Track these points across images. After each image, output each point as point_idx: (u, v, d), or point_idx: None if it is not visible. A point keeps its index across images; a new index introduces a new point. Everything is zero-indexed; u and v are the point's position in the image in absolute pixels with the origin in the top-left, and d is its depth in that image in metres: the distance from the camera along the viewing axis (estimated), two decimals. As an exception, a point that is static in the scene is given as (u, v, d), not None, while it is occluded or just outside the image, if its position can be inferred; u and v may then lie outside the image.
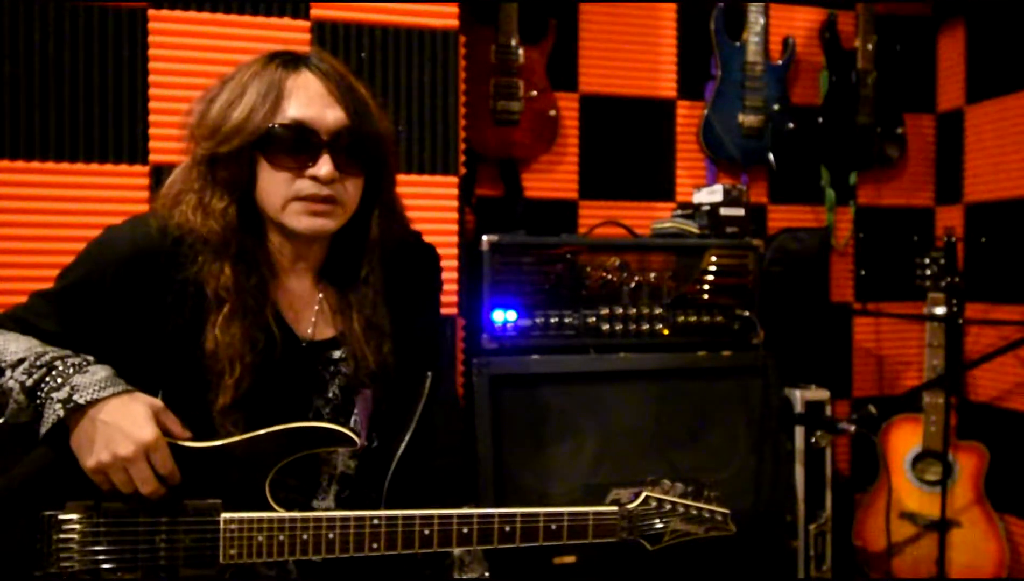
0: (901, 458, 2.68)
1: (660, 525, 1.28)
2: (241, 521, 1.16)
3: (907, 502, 2.65)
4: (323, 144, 1.19)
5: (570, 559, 2.05)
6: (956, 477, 2.61)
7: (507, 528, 1.23)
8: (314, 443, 1.22)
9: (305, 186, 1.20)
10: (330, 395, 1.33)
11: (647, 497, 1.28)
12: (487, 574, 1.44)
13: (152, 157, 1.87)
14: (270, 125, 1.18)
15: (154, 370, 1.22)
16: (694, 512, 1.28)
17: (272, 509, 1.18)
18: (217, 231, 1.20)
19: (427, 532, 1.20)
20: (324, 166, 1.19)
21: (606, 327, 2.20)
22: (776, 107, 2.79)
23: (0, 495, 1.14)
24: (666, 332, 2.25)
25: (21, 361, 1.12)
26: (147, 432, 1.11)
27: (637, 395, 2.17)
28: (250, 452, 1.19)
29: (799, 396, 2.42)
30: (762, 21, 2.76)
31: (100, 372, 1.14)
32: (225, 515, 1.16)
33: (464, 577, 1.41)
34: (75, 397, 1.10)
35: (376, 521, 1.19)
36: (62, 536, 1.13)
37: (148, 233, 1.22)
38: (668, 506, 1.28)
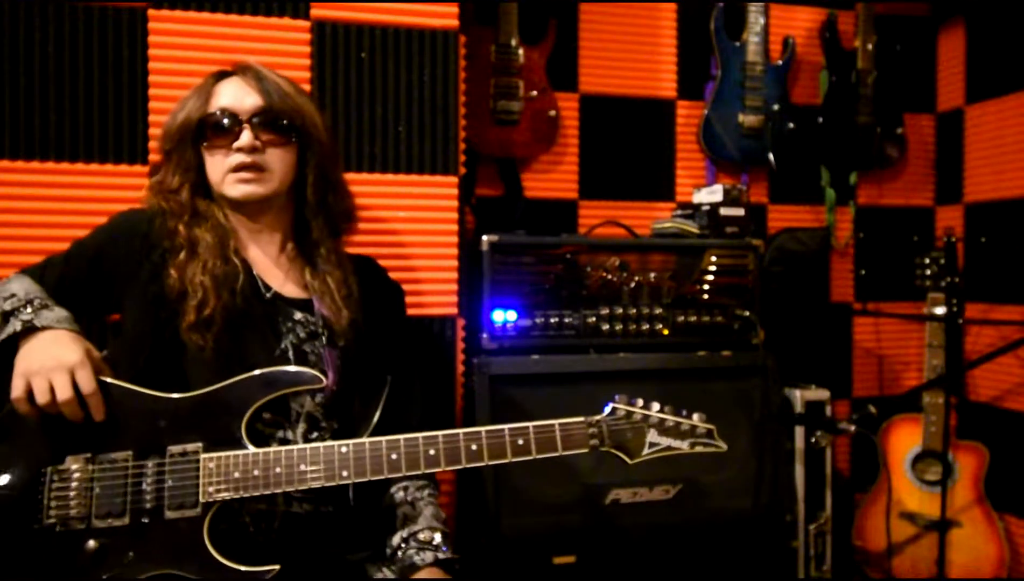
0: (901, 458, 2.68)
1: (633, 435, 1.26)
2: (219, 459, 1.27)
3: (907, 502, 2.65)
4: (243, 122, 1.45)
5: (570, 559, 2.05)
6: (956, 477, 2.61)
7: (473, 447, 1.27)
8: (283, 385, 1.33)
9: (234, 158, 1.45)
10: (283, 346, 1.44)
11: (614, 408, 1.28)
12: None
13: (152, 157, 1.86)
14: (205, 114, 1.47)
15: (133, 325, 1.42)
16: (671, 424, 1.27)
17: (246, 448, 1.28)
18: (172, 205, 1.47)
19: (394, 456, 1.26)
20: (244, 137, 1.44)
21: (606, 327, 2.20)
22: (776, 107, 2.79)
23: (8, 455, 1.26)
24: (666, 332, 2.25)
25: (13, 296, 1.37)
26: (74, 354, 1.28)
27: (637, 395, 2.16)
28: (226, 398, 1.30)
29: (799, 396, 2.42)
30: (762, 21, 2.76)
31: (62, 313, 1.37)
32: (204, 455, 1.27)
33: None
34: (34, 321, 1.33)
35: (344, 449, 1.27)
36: (59, 485, 1.23)
37: (139, 215, 1.50)
38: (639, 416, 1.27)
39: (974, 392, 2.88)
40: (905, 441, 2.68)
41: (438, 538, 1.44)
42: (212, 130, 1.46)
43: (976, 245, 2.85)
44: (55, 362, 1.27)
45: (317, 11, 1.96)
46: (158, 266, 1.42)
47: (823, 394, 2.45)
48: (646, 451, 1.26)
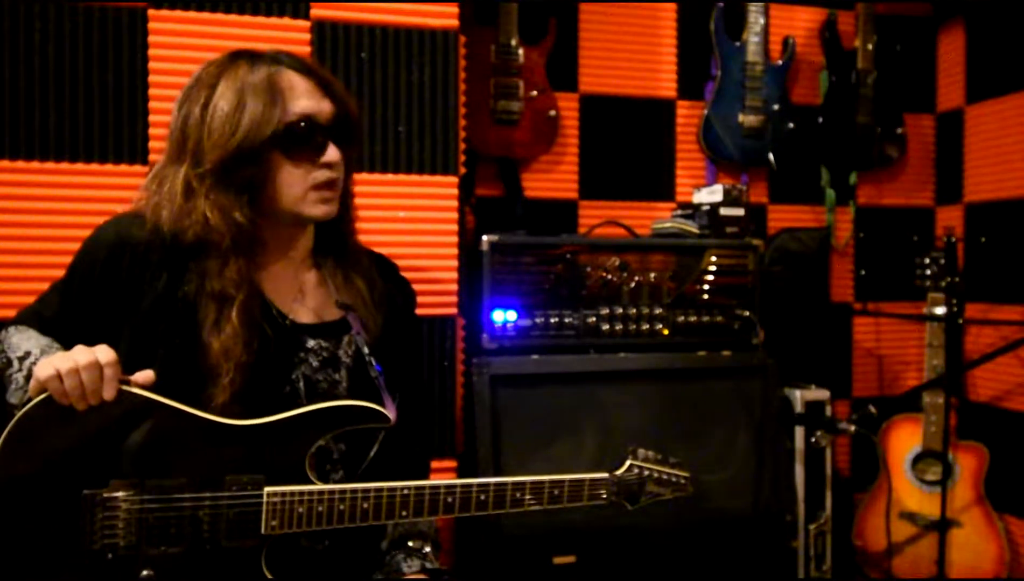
0: (901, 458, 2.68)
1: (639, 488, 1.44)
2: (284, 494, 1.23)
3: (907, 502, 2.65)
4: (328, 133, 1.30)
5: (570, 559, 2.05)
6: (956, 477, 2.61)
7: (518, 495, 1.34)
8: (350, 422, 1.29)
9: (320, 175, 1.30)
10: (294, 377, 1.35)
11: (631, 465, 1.44)
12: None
13: (152, 157, 1.87)
14: (286, 123, 1.27)
15: (145, 353, 1.26)
16: (664, 477, 1.47)
17: (311, 482, 1.25)
18: (223, 232, 1.26)
19: (450, 500, 1.30)
20: (332, 153, 1.30)
21: (606, 327, 2.20)
22: (776, 107, 2.79)
23: (41, 473, 1.17)
24: (666, 332, 2.25)
25: (28, 354, 1.26)
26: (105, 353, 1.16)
27: (637, 395, 2.17)
28: (289, 431, 1.26)
29: (799, 396, 2.42)
30: (762, 21, 2.76)
31: None
32: (268, 489, 1.22)
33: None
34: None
35: (406, 491, 1.27)
36: (107, 514, 1.17)
37: (130, 225, 1.31)
38: (646, 472, 1.45)
39: (974, 392, 2.88)
40: (905, 441, 2.68)
41: (428, 548, 1.45)
42: (297, 141, 1.28)
43: (976, 245, 2.85)
44: (84, 359, 1.14)
45: (317, 11, 1.96)
46: (177, 315, 1.26)
47: (823, 394, 2.45)
48: (643, 499, 1.45)
